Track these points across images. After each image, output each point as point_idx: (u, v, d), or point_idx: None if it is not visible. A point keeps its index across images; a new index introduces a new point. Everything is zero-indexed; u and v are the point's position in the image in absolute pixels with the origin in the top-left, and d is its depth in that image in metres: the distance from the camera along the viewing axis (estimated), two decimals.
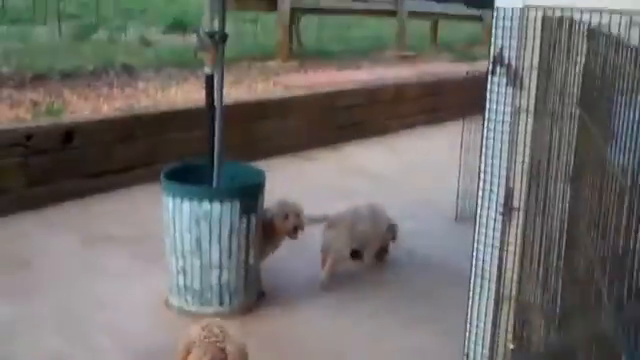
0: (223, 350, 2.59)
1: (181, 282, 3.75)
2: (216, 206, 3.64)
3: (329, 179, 6.29)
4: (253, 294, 3.88)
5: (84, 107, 6.21)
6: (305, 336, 3.62)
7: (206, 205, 3.63)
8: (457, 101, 8.39)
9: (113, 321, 3.69)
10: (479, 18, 13.06)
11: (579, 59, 2.03)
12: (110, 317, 3.73)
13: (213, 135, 3.91)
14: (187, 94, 6.99)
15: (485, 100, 2.63)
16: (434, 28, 13.22)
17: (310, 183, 6.18)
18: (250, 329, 3.65)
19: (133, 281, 4.16)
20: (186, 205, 3.65)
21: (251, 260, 3.81)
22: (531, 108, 2.43)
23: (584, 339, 1.59)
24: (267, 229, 3.95)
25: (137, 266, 4.35)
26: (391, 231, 4.53)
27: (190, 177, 3.86)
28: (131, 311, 3.81)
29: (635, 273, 1.16)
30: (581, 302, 1.61)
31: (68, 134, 5.44)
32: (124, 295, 3.98)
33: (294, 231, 4.02)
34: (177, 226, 3.70)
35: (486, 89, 2.63)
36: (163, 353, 3.41)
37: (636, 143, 1.34)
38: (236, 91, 7.27)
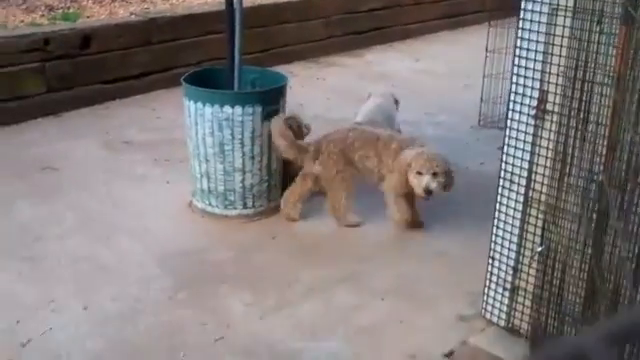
0: None
1: (205, 185, 3.76)
2: (238, 110, 3.60)
3: (350, 85, 6.21)
4: (277, 197, 3.88)
5: (100, 12, 6.10)
6: (329, 239, 3.64)
7: (228, 109, 3.59)
8: (481, 4, 8.20)
9: (137, 223, 3.72)
10: None
11: None
12: (134, 219, 3.76)
13: (233, 38, 3.83)
14: None
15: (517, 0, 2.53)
16: None
17: (331, 89, 6.11)
18: (274, 231, 3.68)
19: (156, 184, 4.17)
20: (208, 109, 3.61)
21: (274, 164, 3.79)
22: (570, 6, 2.33)
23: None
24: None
25: (159, 170, 4.35)
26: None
27: (211, 82, 3.81)
28: (155, 213, 3.84)
29: None
30: (621, 206, 1.59)
31: (85, 39, 5.35)
32: (147, 198, 4.01)
33: None
34: (199, 130, 3.68)
35: None
36: (187, 253, 3.47)
37: None
38: None
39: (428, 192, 3.43)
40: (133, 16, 5.91)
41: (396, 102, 4.62)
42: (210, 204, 3.78)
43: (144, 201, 3.98)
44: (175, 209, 3.90)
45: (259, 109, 3.63)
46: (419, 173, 3.43)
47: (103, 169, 4.37)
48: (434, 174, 3.42)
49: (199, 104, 3.63)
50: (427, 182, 3.41)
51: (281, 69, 5.56)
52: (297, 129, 3.89)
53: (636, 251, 1.45)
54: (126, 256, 3.43)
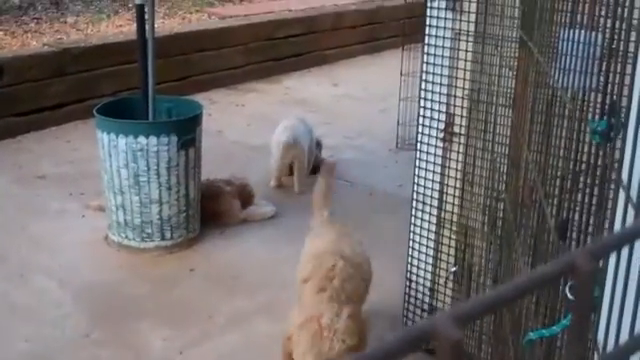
0: None
1: (121, 218, 3.68)
2: (152, 140, 3.55)
3: (269, 111, 6.21)
4: (195, 227, 3.83)
5: (12, 43, 5.95)
6: (249, 269, 3.61)
7: (142, 140, 3.54)
8: (396, 29, 8.36)
9: (52, 259, 3.61)
10: None
11: None
12: (49, 256, 3.65)
13: (146, 68, 3.79)
14: (118, 27, 6.75)
15: (425, 26, 2.60)
16: None
17: (249, 115, 6.10)
18: (192, 263, 3.63)
19: (70, 219, 4.06)
20: (122, 140, 3.55)
21: (192, 194, 3.75)
22: (471, 32, 2.40)
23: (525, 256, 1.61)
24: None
25: (74, 204, 4.24)
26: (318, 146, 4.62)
27: (124, 112, 3.75)
28: (70, 249, 3.73)
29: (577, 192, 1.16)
30: (524, 223, 1.63)
31: None
32: (62, 233, 3.89)
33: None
34: (114, 162, 3.61)
35: (426, 15, 2.59)
36: (104, 289, 3.38)
37: (577, 63, 1.33)
38: (170, 23, 7.05)
39: None
40: (46, 47, 5.78)
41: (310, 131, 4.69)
42: (127, 237, 3.70)
43: (59, 236, 3.86)
44: (91, 243, 3.80)
45: (174, 139, 3.59)
46: None
47: (16, 205, 4.23)
48: None
49: (112, 135, 3.57)
50: None
51: (201, 96, 5.54)
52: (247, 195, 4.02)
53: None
54: (40, 294, 3.32)
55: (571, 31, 1.41)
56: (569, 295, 1.14)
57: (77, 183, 4.51)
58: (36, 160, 4.93)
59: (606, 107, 1.11)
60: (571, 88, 1.35)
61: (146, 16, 3.75)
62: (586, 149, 1.24)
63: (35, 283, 3.41)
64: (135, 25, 3.87)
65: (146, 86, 3.80)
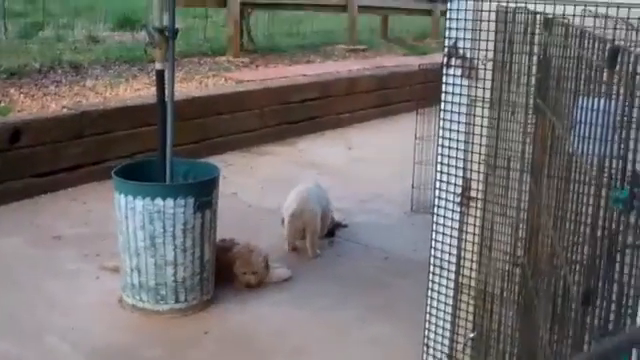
0: None
1: (135, 280, 3.68)
2: (169, 203, 3.58)
3: (283, 174, 6.26)
4: (209, 290, 3.83)
5: (31, 106, 6.06)
6: (263, 332, 3.59)
7: (159, 202, 3.57)
8: (409, 94, 8.48)
9: (66, 321, 3.60)
10: (429, 12, 13.16)
11: (535, 49, 2.04)
12: (63, 317, 3.64)
13: (164, 131, 3.85)
14: (136, 91, 6.87)
15: (440, 92, 2.64)
16: (384, 22, 13.26)
17: (264, 177, 6.14)
18: (207, 326, 3.61)
19: (85, 281, 4.07)
20: (139, 202, 3.58)
21: (206, 256, 3.76)
22: (487, 99, 2.44)
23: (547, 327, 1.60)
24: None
25: (88, 265, 4.25)
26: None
27: (142, 175, 3.79)
28: (84, 311, 3.72)
29: (601, 262, 1.16)
30: (546, 292, 1.62)
31: (15, 133, 5.29)
32: (76, 295, 3.89)
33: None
34: (130, 224, 3.63)
35: (441, 81, 2.64)
36: (117, 352, 3.36)
37: (596, 131, 1.35)
38: (187, 87, 7.18)
39: None
40: (65, 109, 5.89)
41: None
42: (141, 299, 3.69)
43: (73, 297, 3.86)
44: (105, 305, 3.79)
45: (191, 201, 3.62)
46: None
47: (32, 265, 4.25)
48: None
49: (129, 197, 3.60)
50: None
51: (216, 159, 5.59)
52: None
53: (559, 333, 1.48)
54: (54, 356, 3.30)
55: (589, 99, 1.43)
56: None
57: (92, 244, 4.53)
58: (52, 221, 4.96)
59: (628, 176, 1.12)
60: (590, 155, 1.37)
61: (166, 80, 3.83)
62: (607, 215, 1.25)
63: (48, 345, 3.39)
64: (155, 89, 3.95)
65: (164, 148, 3.85)
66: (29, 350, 3.33)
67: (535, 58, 2.03)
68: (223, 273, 3.96)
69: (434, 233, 2.67)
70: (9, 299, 3.80)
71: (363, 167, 6.60)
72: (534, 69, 2.05)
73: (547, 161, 1.74)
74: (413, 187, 5.32)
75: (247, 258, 3.99)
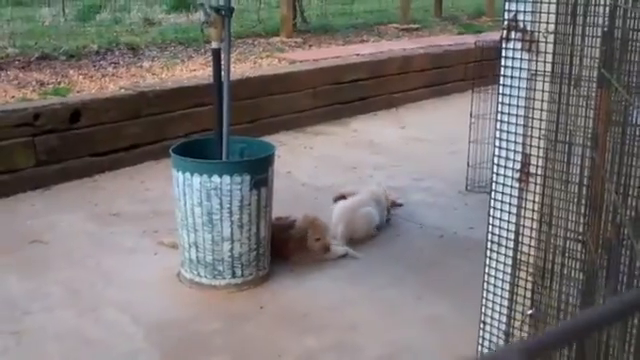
0: None
1: (193, 255, 3.75)
2: (226, 180, 3.62)
3: (337, 153, 6.27)
4: (265, 265, 3.87)
5: (90, 87, 6.19)
6: (318, 308, 3.61)
7: (216, 179, 3.61)
8: (464, 73, 8.37)
9: (125, 295, 3.69)
10: None
11: (599, 20, 1.99)
12: (122, 292, 3.73)
13: (221, 109, 3.89)
14: (192, 72, 6.94)
15: (499, 66, 2.59)
16: (438, 0, 13.09)
17: (318, 157, 6.16)
18: (262, 301, 3.65)
19: (143, 257, 4.15)
20: (196, 179, 3.63)
21: (262, 232, 3.80)
22: (548, 72, 2.39)
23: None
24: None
25: (146, 242, 4.34)
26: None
27: (199, 153, 3.84)
28: (143, 285, 3.81)
29: None
30: (608, 266, 1.59)
31: (75, 113, 5.41)
32: (135, 270, 3.98)
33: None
34: (187, 200, 3.69)
35: (499, 56, 2.59)
36: (175, 325, 3.43)
37: None
38: (241, 68, 7.22)
39: None
40: (123, 90, 5.99)
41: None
42: (198, 274, 3.76)
43: (132, 273, 3.95)
44: (163, 280, 3.87)
45: (247, 178, 3.65)
46: None
47: (91, 241, 4.36)
48: None
49: (187, 174, 3.65)
50: None
51: (269, 139, 5.62)
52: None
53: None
54: (113, 329, 3.39)
55: None
56: None
57: (150, 221, 4.62)
58: (111, 198, 5.07)
59: None
60: None
61: (222, 60, 3.87)
62: None
63: (108, 318, 3.48)
64: (210, 69, 3.99)
65: (221, 127, 3.89)
66: (88, 323, 3.42)
67: (599, 29, 1.98)
68: (279, 250, 4.00)
69: (492, 210, 2.64)
70: (69, 274, 3.91)
71: (417, 146, 6.56)
72: (598, 41, 2.00)
73: (611, 134, 1.70)
74: (468, 166, 5.27)
75: (317, 225, 4.04)
